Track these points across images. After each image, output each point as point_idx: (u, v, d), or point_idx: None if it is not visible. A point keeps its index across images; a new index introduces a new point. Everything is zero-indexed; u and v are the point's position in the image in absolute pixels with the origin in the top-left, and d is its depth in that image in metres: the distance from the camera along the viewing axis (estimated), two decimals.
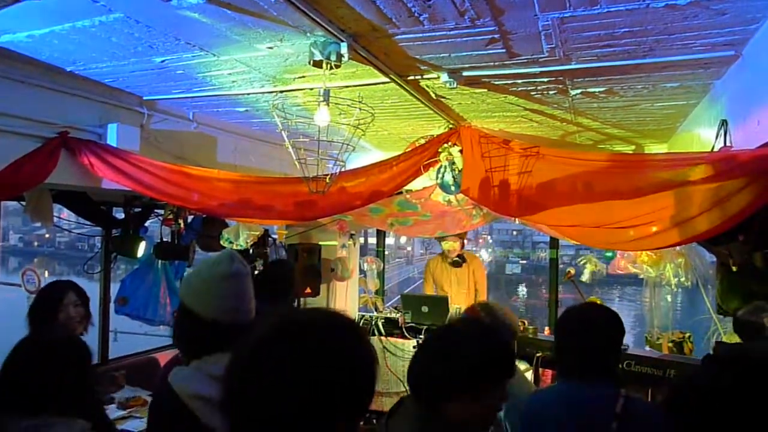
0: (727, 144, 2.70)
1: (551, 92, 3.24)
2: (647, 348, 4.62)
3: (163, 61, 2.89)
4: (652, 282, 4.41)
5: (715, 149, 2.78)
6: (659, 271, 4.31)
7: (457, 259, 5.66)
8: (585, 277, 4.84)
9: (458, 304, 5.33)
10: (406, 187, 3.99)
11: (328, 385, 0.91)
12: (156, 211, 4.63)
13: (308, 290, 5.38)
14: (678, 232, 2.63)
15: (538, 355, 4.35)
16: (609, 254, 4.89)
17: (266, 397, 0.90)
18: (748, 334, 2.60)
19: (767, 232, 2.41)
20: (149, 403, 1.76)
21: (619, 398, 1.84)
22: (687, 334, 4.47)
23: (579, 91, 3.20)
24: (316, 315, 1.02)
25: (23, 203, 3.58)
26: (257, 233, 4.80)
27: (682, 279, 4.18)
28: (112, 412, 3.42)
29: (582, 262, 4.93)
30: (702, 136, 3.35)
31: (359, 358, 0.97)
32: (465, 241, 5.82)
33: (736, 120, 2.67)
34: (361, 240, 6.83)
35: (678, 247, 3.98)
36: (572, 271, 4.66)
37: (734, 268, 2.94)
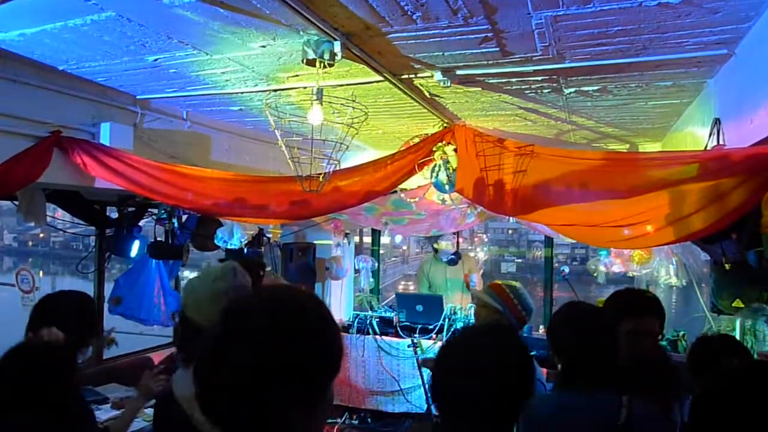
0: (720, 142, 2.71)
1: (545, 91, 3.24)
2: None
3: (156, 60, 2.87)
4: (645, 282, 4.44)
5: (709, 148, 2.79)
6: (648, 271, 4.34)
7: (452, 257, 5.66)
8: (600, 278, 4.89)
9: (453, 303, 5.33)
10: (401, 186, 3.99)
11: (266, 366, 0.94)
12: (150, 210, 4.62)
13: (303, 289, 5.36)
14: (673, 230, 2.63)
15: (532, 353, 4.35)
16: (603, 253, 4.92)
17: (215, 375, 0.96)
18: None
19: (760, 231, 2.40)
20: (154, 407, 1.77)
21: (622, 408, 1.71)
22: (681, 333, 4.49)
23: (573, 89, 3.20)
24: (259, 297, 1.09)
25: (16, 203, 3.55)
26: (252, 232, 4.79)
27: (673, 280, 4.21)
28: (106, 412, 3.40)
29: (594, 268, 4.95)
30: (695, 134, 3.36)
31: (297, 337, 0.98)
32: (460, 240, 5.84)
33: (729, 118, 2.68)
34: (356, 239, 6.82)
35: (672, 246, 3.99)
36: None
37: (727, 267, 2.95)
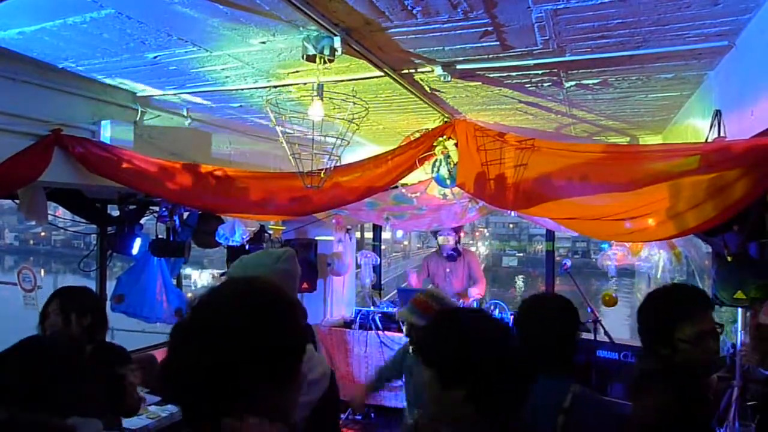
0: (721, 134, 2.70)
1: (546, 84, 3.24)
2: None
3: (155, 57, 2.87)
4: (646, 274, 4.45)
5: (709, 140, 2.78)
6: (649, 264, 4.35)
7: (451, 252, 5.67)
8: (611, 271, 4.92)
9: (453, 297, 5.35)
10: (402, 181, 3.99)
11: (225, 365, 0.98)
12: (151, 207, 4.62)
13: (305, 285, 5.37)
14: (674, 224, 2.63)
15: None
16: (605, 245, 4.93)
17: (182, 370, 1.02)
18: None
19: (762, 223, 2.40)
20: None
21: (568, 394, 1.82)
22: None
23: (573, 83, 3.19)
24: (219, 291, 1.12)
25: (17, 201, 3.56)
26: (253, 229, 4.80)
27: (670, 270, 4.22)
28: None
29: (606, 263, 4.97)
30: (696, 126, 3.36)
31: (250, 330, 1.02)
32: (461, 235, 5.83)
33: (730, 110, 2.67)
34: (358, 234, 6.83)
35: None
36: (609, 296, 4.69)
37: (729, 259, 2.95)
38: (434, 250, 6.00)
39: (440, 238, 5.70)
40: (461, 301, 5.41)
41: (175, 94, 3.63)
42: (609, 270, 4.90)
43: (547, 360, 1.87)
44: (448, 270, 5.73)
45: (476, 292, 5.57)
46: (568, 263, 5.02)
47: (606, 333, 4.45)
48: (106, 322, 2.96)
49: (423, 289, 5.67)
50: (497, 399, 1.32)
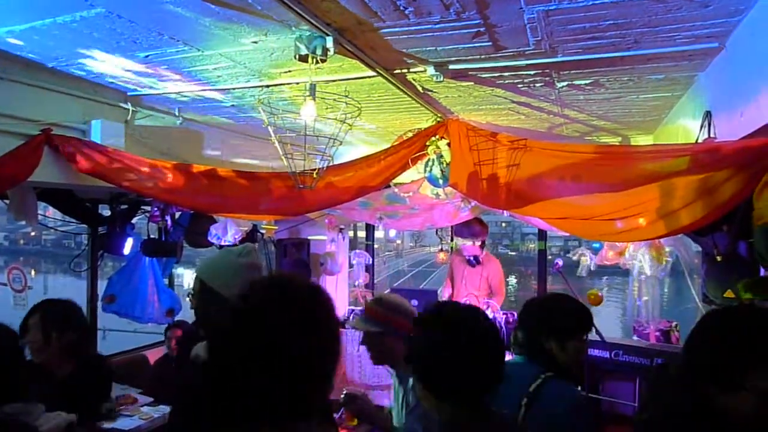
0: (711, 135, 2.72)
1: (538, 85, 3.25)
2: (635, 338, 4.67)
3: (146, 57, 2.85)
4: (636, 272, 4.47)
5: (700, 140, 2.80)
6: (638, 262, 4.37)
7: (470, 258, 5.54)
8: (582, 271, 4.88)
9: (462, 299, 5.27)
10: (394, 181, 3.99)
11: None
12: (143, 207, 4.60)
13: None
14: (665, 223, 2.64)
15: None
16: (596, 245, 4.94)
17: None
18: None
19: (750, 223, 2.42)
20: (177, 389, 1.95)
21: (538, 378, 1.96)
22: (674, 323, 4.52)
23: (565, 83, 3.21)
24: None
25: (6, 201, 3.53)
26: (245, 229, 4.78)
27: (656, 270, 4.24)
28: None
29: (576, 258, 4.96)
30: (687, 127, 3.38)
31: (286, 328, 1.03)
32: (484, 243, 5.54)
33: (720, 111, 2.69)
34: (351, 234, 6.82)
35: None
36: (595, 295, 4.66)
37: (718, 258, 2.97)
38: (456, 253, 5.83)
39: (461, 242, 5.47)
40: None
41: (166, 94, 3.62)
42: (582, 269, 4.87)
43: (533, 347, 2.11)
44: (466, 273, 5.61)
45: (492, 305, 5.24)
46: (560, 262, 5.03)
47: (597, 332, 4.47)
48: (91, 339, 2.92)
49: (420, 288, 5.62)
50: (477, 391, 1.50)
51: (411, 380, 1.96)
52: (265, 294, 1.08)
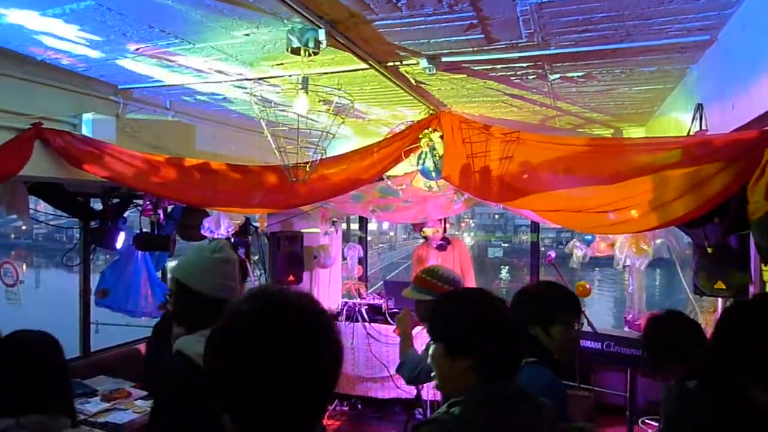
0: (703, 128, 2.74)
1: (530, 77, 3.25)
2: (626, 329, 4.71)
3: (137, 49, 2.83)
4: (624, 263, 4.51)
5: (691, 132, 2.82)
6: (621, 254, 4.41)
7: (441, 242, 5.65)
8: (574, 263, 4.92)
9: None
10: (387, 174, 3.98)
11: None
12: (135, 201, 4.57)
13: (291, 278, 5.37)
14: (657, 215, 2.66)
15: None
16: (588, 237, 4.97)
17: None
18: None
19: (742, 215, 2.44)
20: (161, 379, 1.88)
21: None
22: None
23: (558, 75, 3.21)
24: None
25: None
26: (238, 222, 4.77)
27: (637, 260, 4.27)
28: (96, 405, 3.40)
29: (569, 250, 5.00)
30: (678, 119, 3.40)
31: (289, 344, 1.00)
32: (447, 225, 5.81)
33: (712, 104, 2.71)
34: (344, 226, 6.82)
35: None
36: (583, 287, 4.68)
37: (709, 250, 3.00)
38: (422, 241, 5.97)
39: (428, 230, 5.66)
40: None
41: (157, 87, 3.59)
42: (574, 261, 4.92)
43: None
44: (439, 260, 5.70)
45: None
46: (553, 254, 5.05)
47: (589, 323, 4.51)
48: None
49: (408, 280, 5.67)
50: (497, 368, 1.46)
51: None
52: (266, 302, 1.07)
